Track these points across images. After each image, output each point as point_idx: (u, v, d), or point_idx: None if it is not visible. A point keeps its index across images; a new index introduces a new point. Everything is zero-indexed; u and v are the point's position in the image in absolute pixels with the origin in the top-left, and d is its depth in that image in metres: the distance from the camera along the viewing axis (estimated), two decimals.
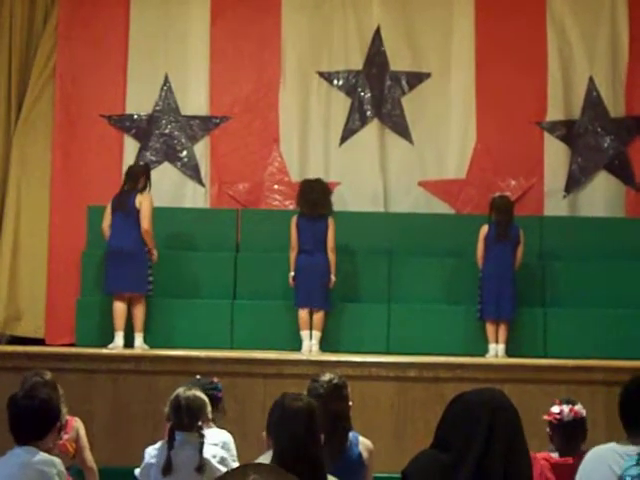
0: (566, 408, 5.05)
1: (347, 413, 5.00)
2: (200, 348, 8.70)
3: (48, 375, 5.65)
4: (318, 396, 4.74)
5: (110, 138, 10.24)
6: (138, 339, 9.03)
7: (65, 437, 5.57)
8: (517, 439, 3.31)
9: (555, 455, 5.07)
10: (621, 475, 3.79)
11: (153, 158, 10.20)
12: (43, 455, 4.57)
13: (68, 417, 5.66)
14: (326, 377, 5.01)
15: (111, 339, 8.94)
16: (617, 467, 3.88)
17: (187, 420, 5.01)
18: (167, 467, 4.94)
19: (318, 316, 9.05)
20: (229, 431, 5.71)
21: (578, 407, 5.09)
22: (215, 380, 5.91)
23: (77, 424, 5.69)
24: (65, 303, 9.65)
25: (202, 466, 4.93)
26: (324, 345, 9.03)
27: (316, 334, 9.02)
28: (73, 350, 8.84)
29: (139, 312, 9.07)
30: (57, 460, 4.65)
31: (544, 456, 5.01)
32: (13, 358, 8.27)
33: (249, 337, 9.19)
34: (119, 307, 9.00)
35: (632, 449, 3.93)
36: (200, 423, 5.04)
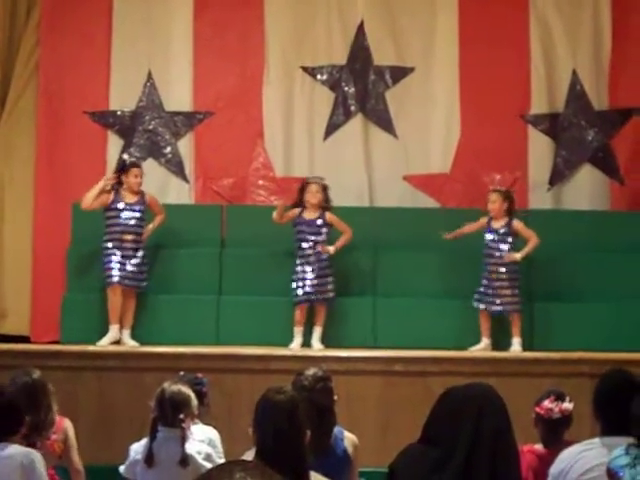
0: (555, 407, 5.10)
1: (332, 407, 5.00)
2: (186, 344, 8.69)
3: (37, 373, 5.61)
4: (302, 389, 4.75)
5: (94, 134, 10.21)
6: (127, 334, 9.03)
7: (53, 437, 5.53)
8: (505, 433, 3.32)
9: (539, 446, 5.12)
10: (609, 465, 3.81)
11: (137, 155, 10.17)
12: (16, 447, 4.55)
13: (58, 417, 5.61)
14: (311, 371, 5.03)
15: (97, 336, 8.92)
16: (605, 459, 3.91)
17: (171, 414, 5.01)
18: (149, 458, 4.94)
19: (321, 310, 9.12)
20: (215, 427, 5.71)
21: (566, 404, 5.13)
22: (200, 376, 5.91)
23: (66, 425, 5.64)
24: (50, 300, 9.62)
25: (185, 459, 4.93)
26: (308, 340, 9.05)
27: (319, 329, 9.06)
28: (58, 347, 8.82)
29: (133, 306, 9.12)
30: (33, 451, 4.64)
31: (529, 449, 5.04)
32: None
33: (235, 333, 9.17)
34: (117, 300, 8.99)
35: (617, 440, 3.96)
36: (183, 417, 5.04)
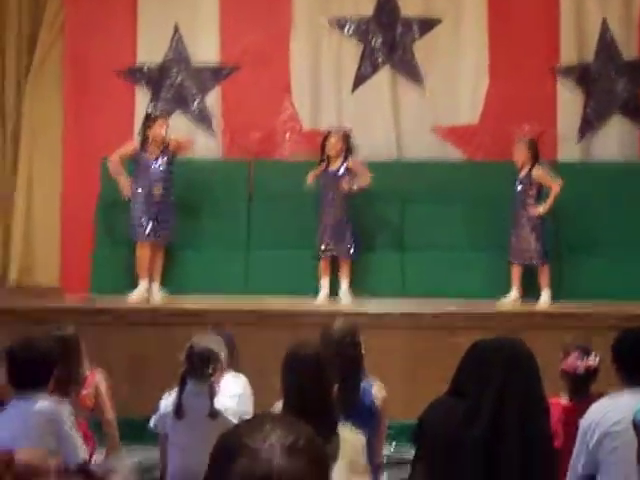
0: (580, 363, 5.13)
1: (360, 359, 5.02)
2: (215, 297, 8.72)
3: (71, 329, 5.65)
4: (330, 343, 4.77)
5: (121, 90, 10.19)
6: (156, 286, 9.10)
7: (85, 392, 5.60)
8: (534, 386, 3.32)
9: (565, 399, 5.16)
10: (634, 417, 3.82)
11: (165, 108, 10.15)
12: (44, 401, 4.60)
13: (89, 372, 5.66)
14: (338, 324, 5.04)
15: (126, 289, 9.00)
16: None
17: (200, 368, 5.05)
18: (178, 411, 4.99)
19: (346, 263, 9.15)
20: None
21: (591, 360, 5.16)
22: (227, 330, 5.94)
23: (98, 379, 5.69)
24: (80, 255, 9.68)
25: (214, 412, 4.97)
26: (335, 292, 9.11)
27: (344, 282, 9.10)
28: (89, 305, 8.89)
29: (161, 260, 9.18)
30: (60, 405, 4.68)
31: (555, 401, 5.07)
32: (29, 312, 8.31)
33: (264, 286, 9.23)
34: (146, 255, 9.05)
35: None
36: (212, 371, 5.07)
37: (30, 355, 4.65)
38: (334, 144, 9.15)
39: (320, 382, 3.80)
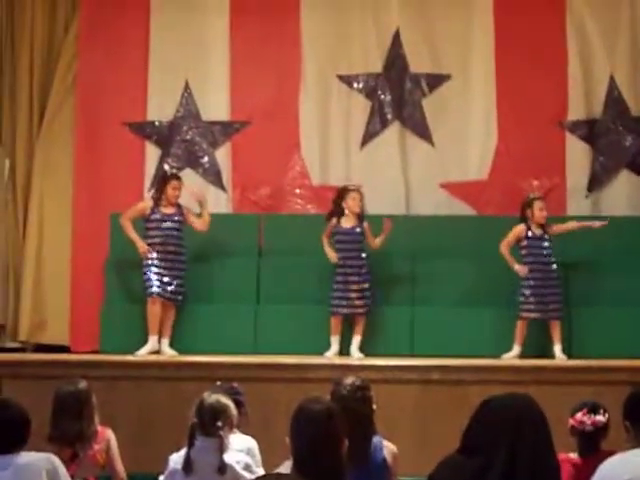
0: (587, 419, 5.12)
1: (371, 416, 4.97)
2: (224, 353, 8.72)
3: (82, 384, 5.61)
4: (341, 399, 4.73)
5: (131, 145, 10.28)
6: (166, 344, 9.08)
7: (96, 448, 5.54)
8: (545, 444, 3.28)
9: (574, 455, 5.12)
10: None
11: (175, 165, 10.23)
12: (30, 454, 4.51)
13: (99, 427, 5.63)
14: (349, 380, 5.00)
15: (136, 346, 8.97)
16: None
17: (209, 423, 5.01)
18: (187, 466, 4.94)
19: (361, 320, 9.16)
20: (253, 437, 5.70)
21: (599, 417, 5.14)
22: (236, 385, 5.90)
23: (109, 435, 5.65)
24: (89, 311, 9.68)
25: (223, 467, 4.93)
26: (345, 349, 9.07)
27: (357, 338, 9.08)
28: (98, 357, 8.87)
29: (172, 317, 9.18)
30: (51, 455, 4.60)
31: (565, 458, 5.02)
32: (39, 366, 8.30)
33: (273, 342, 9.21)
34: (157, 311, 9.04)
35: None
36: (221, 425, 5.04)
37: (5, 416, 4.56)
38: (358, 201, 9.15)
39: (331, 439, 3.74)
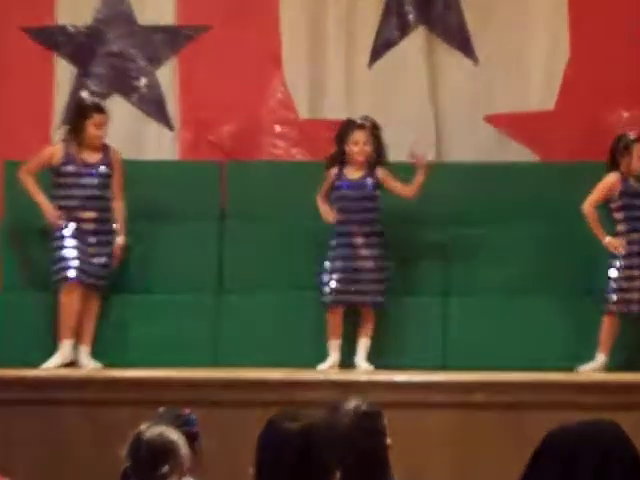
0: None
1: (383, 454, 4.95)
2: (171, 366, 8.77)
3: None
4: (340, 430, 4.70)
5: (34, 61, 10.32)
6: (85, 353, 9.13)
7: None
8: None
9: None
10: None
11: (98, 90, 10.24)
12: None
13: None
14: (352, 403, 4.97)
15: (41, 355, 8.99)
16: None
17: (148, 467, 4.98)
18: None
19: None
20: None
21: None
22: (187, 411, 5.90)
23: None
24: None
25: None
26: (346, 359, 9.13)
27: (365, 342, 9.15)
28: None
29: (95, 313, 9.22)
30: None
31: None
32: None
33: (243, 349, 9.26)
34: (74, 304, 9.07)
35: None
36: (167, 472, 5.01)
37: None
38: (363, 144, 9.17)
39: (311, 473, 3.74)
